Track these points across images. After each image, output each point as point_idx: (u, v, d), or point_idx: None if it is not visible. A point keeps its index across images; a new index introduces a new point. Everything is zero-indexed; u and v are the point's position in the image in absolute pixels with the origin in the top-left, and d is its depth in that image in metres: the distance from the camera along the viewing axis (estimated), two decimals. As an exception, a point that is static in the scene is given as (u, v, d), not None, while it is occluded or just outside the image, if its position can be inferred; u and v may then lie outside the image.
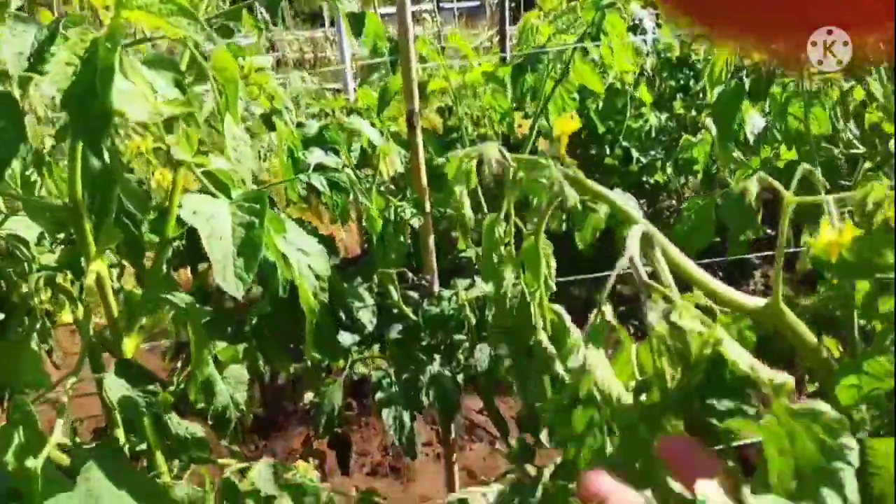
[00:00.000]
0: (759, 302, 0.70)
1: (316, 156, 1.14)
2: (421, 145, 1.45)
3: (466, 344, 1.56)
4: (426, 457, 2.44)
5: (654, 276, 0.63)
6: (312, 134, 1.21)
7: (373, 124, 1.78)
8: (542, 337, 0.67)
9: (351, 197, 1.68)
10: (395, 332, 1.54)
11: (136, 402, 0.78)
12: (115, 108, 0.55)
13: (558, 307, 0.75)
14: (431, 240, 1.52)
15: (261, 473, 1.03)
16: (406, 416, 1.42)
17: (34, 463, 0.61)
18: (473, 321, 1.58)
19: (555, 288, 0.75)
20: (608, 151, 2.69)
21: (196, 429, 1.25)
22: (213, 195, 0.72)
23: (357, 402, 2.51)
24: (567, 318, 0.74)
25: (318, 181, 1.10)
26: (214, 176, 0.74)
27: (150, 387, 0.81)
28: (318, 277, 0.86)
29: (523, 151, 1.62)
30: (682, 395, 0.52)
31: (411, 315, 1.55)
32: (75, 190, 0.80)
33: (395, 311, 1.56)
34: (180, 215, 0.67)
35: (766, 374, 0.47)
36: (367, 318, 1.44)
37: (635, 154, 2.57)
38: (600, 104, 2.46)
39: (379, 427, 2.50)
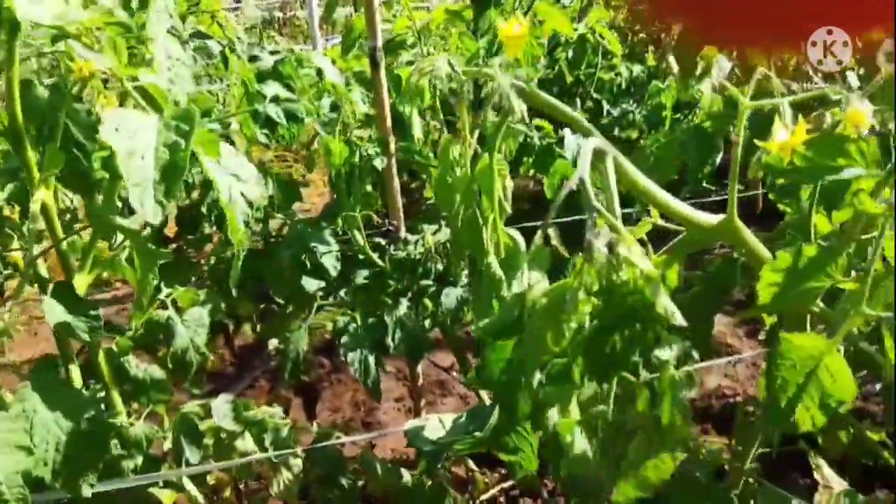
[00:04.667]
0: (714, 219, 0.70)
1: (272, 88, 1.11)
2: (385, 83, 1.42)
3: (433, 288, 1.56)
4: (398, 412, 2.45)
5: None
6: (267, 68, 1.18)
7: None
8: (492, 260, 0.67)
9: (315, 144, 1.64)
10: (361, 277, 1.53)
11: (75, 326, 0.76)
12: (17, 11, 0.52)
13: (513, 231, 0.74)
14: (396, 183, 1.50)
15: (219, 409, 1.02)
16: (371, 360, 1.41)
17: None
18: (440, 266, 1.58)
19: (510, 210, 0.74)
20: (579, 104, 2.67)
21: (155, 371, 1.23)
22: (144, 110, 0.69)
23: (329, 360, 2.51)
24: (521, 243, 0.73)
25: (275, 112, 1.07)
26: (148, 93, 0.71)
27: (93, 312, 0.79)
28: (250, 205, 0.83)
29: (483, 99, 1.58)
30: (601, 325, 0.54)
31: (377, 260, 1.54)
32: (15, 116, 0.76)
33: (362, 256, 1.55)
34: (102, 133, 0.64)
35: (679, 317, 0.50)
36: (331, 263, 1.43)
37: (606, 107, 2.56)
38: (570, 55, 2.43)
39: (350, 384, 2.50)
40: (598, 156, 0.62)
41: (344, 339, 1.42)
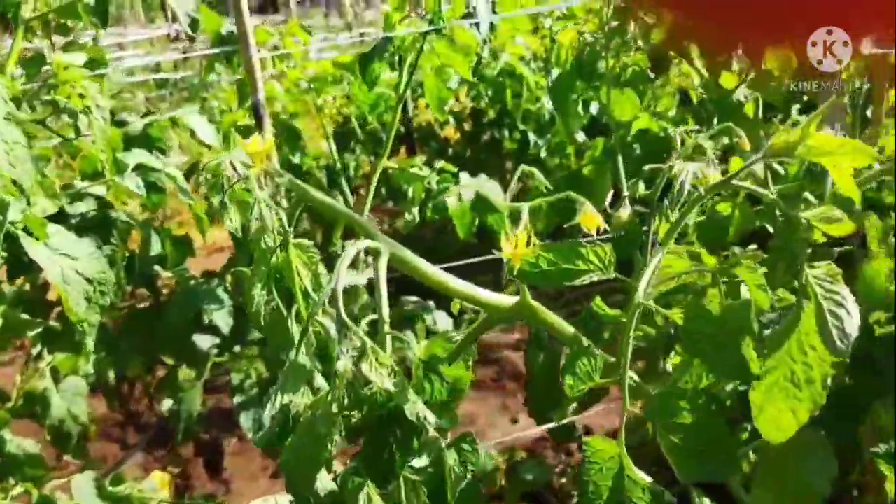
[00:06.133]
0: (510, 300, 0.70)
1: (135, 156, 1.09)
2: (271, 137, 1.41)
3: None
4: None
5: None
6: (136, 132, 1.16)
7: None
8: (299, 354, 0.66)
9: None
10: (256, 332, 1.51)
11: None
12: None
13: (326, 320, 0.73)
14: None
15: (81, 487, 1.00)
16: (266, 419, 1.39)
17: None
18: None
19: (322, 301, 0.73)
20: (507, 135, 2.69)
21: (29, 445, 1.20)
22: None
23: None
24: (333, 331, 0.72)
25: (134, 183, 1.06)
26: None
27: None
28: (90, 281, 0.82)
29: (385, 142, 1.57)
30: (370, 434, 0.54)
31: (276, 313, 1.52)
32: None
33: (259, 310, 1.52)
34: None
35: (431, 420, 0.50)
36: (223, 319, 1.40)
37: (532, 138, 2.57)
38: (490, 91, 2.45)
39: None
40: (374, 254, 0.62)
41: (237, 398, 1.39)
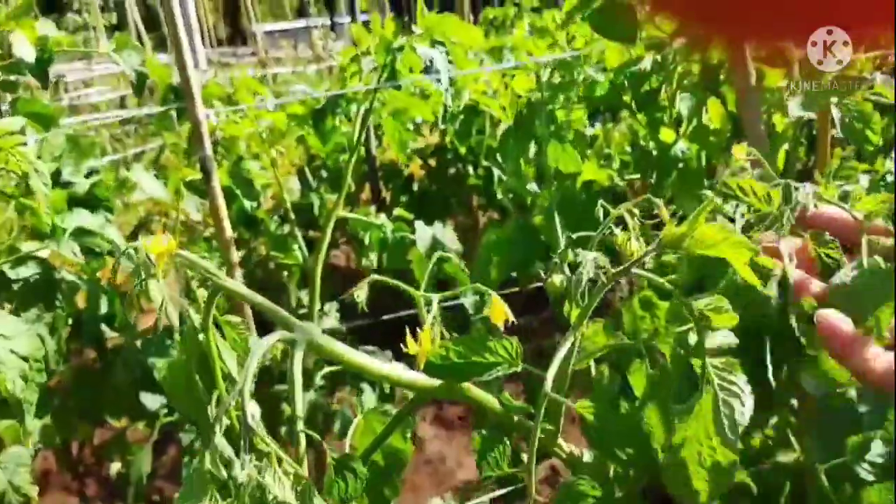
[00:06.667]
0: (434, 381, 0.69)
1: (75, 218, 1.08)
2: (219, 192, 1.40)
3: (286, 394, 1.53)
4: None
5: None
6: (82, 193, 1.15)
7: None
8: (219, 440, 0.64)
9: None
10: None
11: None
12: None
13: (252, 404, 0.71)
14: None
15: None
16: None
17: None
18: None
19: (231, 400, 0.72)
20: (472, 171, 2.70)
21: (-34, 521, 1.16)
22: None
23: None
24: (254, 419, 0.71)
25: (70, 249, 1.04)
26: None
27: None
28: (25, 360, 0.82)
29: (340, 189, 1.57)
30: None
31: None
32: None
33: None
34: None
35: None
36: (173, 378, 1.38)
37: (497, 173, 2.58)
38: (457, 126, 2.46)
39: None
40: (290, 344, 0.61)
41: (188, 460, 1.36)
